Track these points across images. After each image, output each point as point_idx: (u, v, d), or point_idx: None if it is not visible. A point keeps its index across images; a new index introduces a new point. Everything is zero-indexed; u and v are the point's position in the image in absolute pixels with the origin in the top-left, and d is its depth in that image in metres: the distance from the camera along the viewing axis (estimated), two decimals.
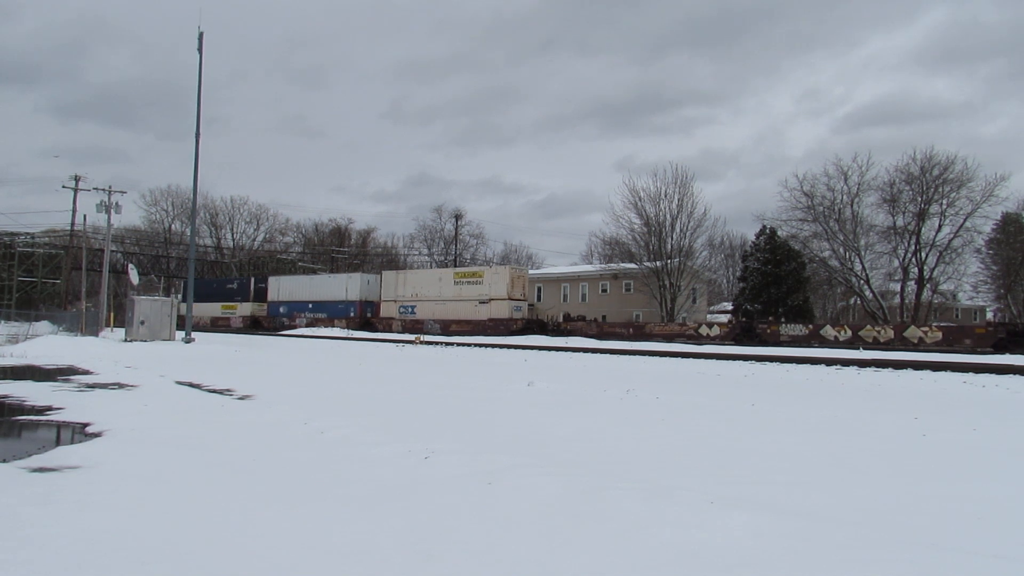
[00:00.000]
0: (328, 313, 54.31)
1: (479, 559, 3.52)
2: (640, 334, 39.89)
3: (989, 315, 63.48)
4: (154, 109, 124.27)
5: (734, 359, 22.52)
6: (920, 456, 6.38)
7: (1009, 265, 50.18)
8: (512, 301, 45.53)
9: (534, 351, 28.14)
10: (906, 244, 49.43)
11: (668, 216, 61.45)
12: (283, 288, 58.30)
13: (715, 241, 63.92)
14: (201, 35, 31.23)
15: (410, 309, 50.00)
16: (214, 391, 11.36)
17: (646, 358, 23.71)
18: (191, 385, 12.34)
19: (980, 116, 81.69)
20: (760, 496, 4.78)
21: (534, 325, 46.94)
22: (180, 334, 31.28)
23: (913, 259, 49.83)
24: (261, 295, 60.06)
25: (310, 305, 55.61)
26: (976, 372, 17.23)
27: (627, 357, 24.31)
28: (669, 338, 38.19)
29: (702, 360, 22.58)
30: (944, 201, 49.50)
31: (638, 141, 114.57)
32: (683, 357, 23.91)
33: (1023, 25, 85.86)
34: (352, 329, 50.61)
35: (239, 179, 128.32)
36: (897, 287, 51.69)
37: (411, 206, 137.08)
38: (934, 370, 17.96)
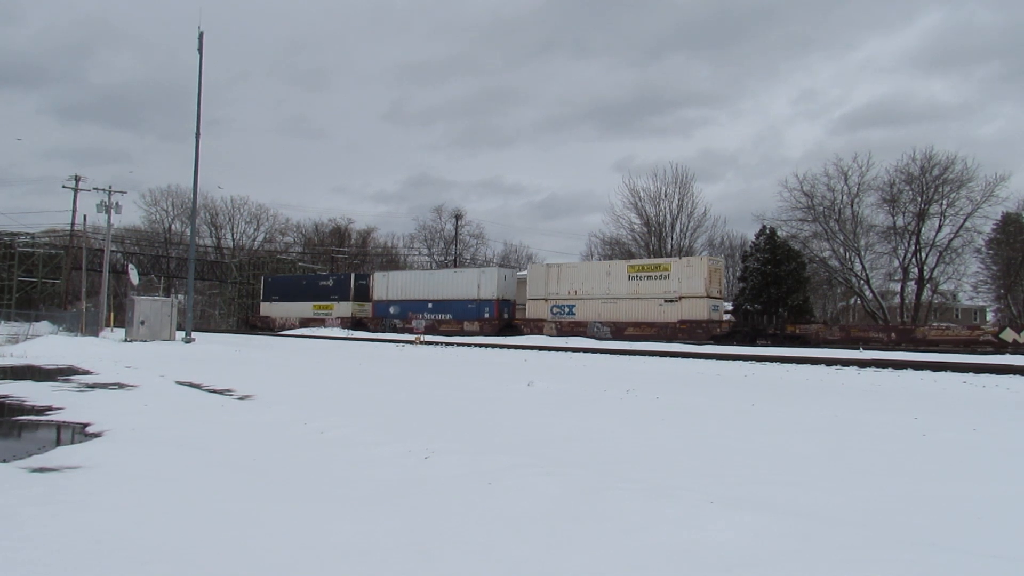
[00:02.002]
0: (454, 314, 46.46)
1: (478, 559, 3.52)
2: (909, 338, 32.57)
3: (989, 316, 63.45)
4: (156, 110, 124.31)
5: (734, 359, 22.51)
6: (920, 456, 6.39)
7: (1009, 265, 50.14)
8: (711, 299, 37.28)
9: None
10: (906, 244, 49.44)
11: (668, 216, 61.61)
12: (393, 285, 50.70)
13: (715, 241, 64.00)
14: (201, 35, 31.23)
15: (566, 309, 41.70)
16: (214, 391, 11.37)
17: (646, 358, 23.70)
18: (191, 385, 12.34)
19: (977, 117, 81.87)
20: (760, 496, 4.78)
21: (744, 328, 37.81)
22: (180, 334, 31.28)
23: (913, 259, 49.85)
24: (363, 293, 53.23)
25: (429, 304, 47.87)
26: (976, 372, 17.22)
27: (626, 357, 24.30)
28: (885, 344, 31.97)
29: (701, 360, 22.57)
30: (944, 201, 49.50)
31: (637, 142, 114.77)
32: (683, 357, 23.91)
33: (1017, 28, 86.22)
34: (489, 333, 43.51)
35: (240, 180, 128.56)
36: (897, 287, 51.74)
37: (411, 206, 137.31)
38: (934, 370, 17.94)
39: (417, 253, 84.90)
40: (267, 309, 59.11)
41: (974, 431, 7.84)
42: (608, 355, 25.28)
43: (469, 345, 32.92)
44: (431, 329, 46.06)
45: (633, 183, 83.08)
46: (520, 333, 42.77)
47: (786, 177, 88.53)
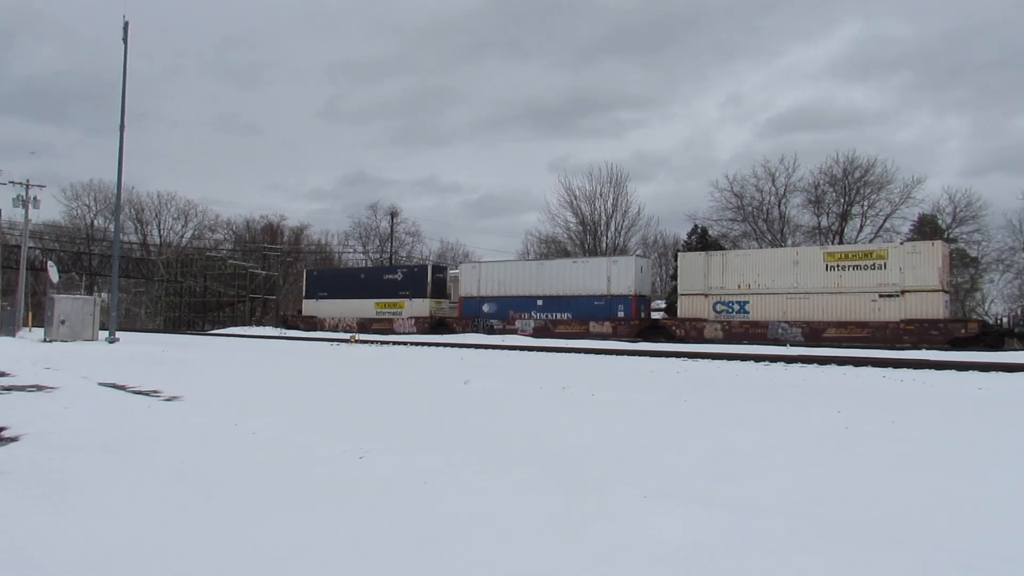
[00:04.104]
0: (574, 313, 38.82)
1: (410, 559, 3.50)
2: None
3: None
4: (82, 103, 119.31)
5: (666, 356, 22.94)
6: (843, 449, 6.62)
7: None
8: (944, 293, 30.30)
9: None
10: (830, 243, 51.19)
11: (603, 215, 62.46)
12: (487, 278, 42.53)
13: (648, 240, 65.15)
14: (126, 25, 30.14)
15: (736, 306, 34.12)
16: (140, 393, 10.99)
17: (580, 356, 23.94)
18: (115, 387, 11.90)
19: (894, 124, 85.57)
20: (692, 490, 4.88)
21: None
22: (104, 334, 30.16)
23: None
24: (441, 288, 46.07)
25: (539, 302, 40.21)
26: (895, 367, 17.96)
27: (562, 355, 24.50)
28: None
29: (635, 357, 22.93)
30: (865, 203, 51.73)
31: (572, 143, 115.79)
32: (617, 355, 24.24)
33: (926, 40, 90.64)
34: (625, 336, 36.34)
35: (170, 175, 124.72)
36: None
37: (347, 204, 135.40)
38: (856, 365, 18.66)
39: (352, 251, 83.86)
40: (312, 308, 50.84)
41: (893, 423, 8.16)
42: (538, 352, 25.30)
43: (405, 344, 32.65)
44: (543, 331, 39.44)
45: (569, 182, 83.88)
46: (673, 336, 35.30)
47: (716, 178, 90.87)
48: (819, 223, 52.99)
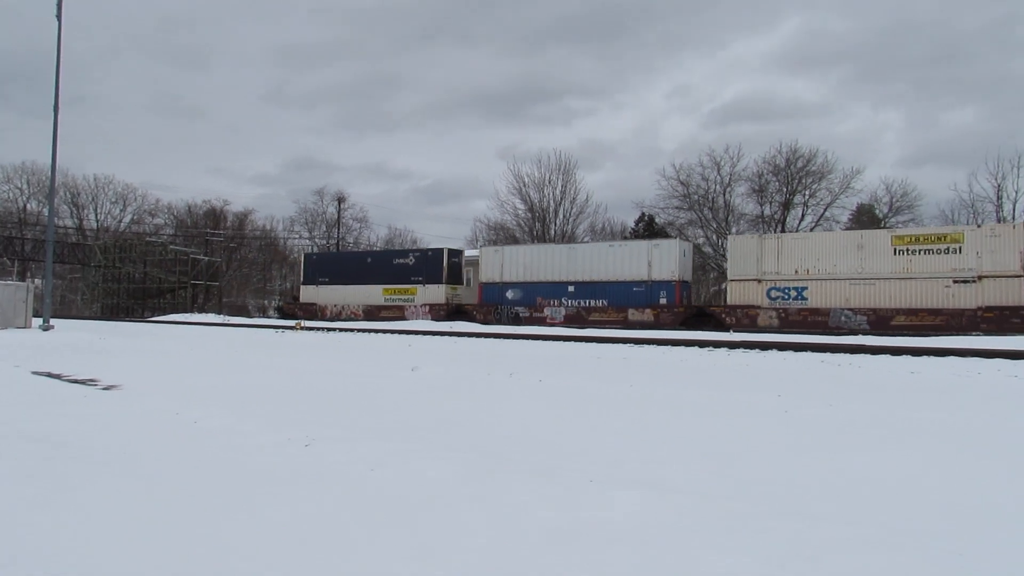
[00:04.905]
0: (610, 299, 36.26)
1: (360, 547, 3.48)
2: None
3: None
4: (16, 84, 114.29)
5: (613, 342, 23.21)
6: (784, 431, 6.81)
7: None
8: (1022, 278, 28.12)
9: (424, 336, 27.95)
10: (773, 231, 52.34)
11: (552, 202, 62.68)
12: (511, 262, 39.76)
13: (597, 227, 65.57)
14: (60, 0, 28.95)
15: (792, 292, 31.90)
16: (77, 381, 10.67)
17: (525, 342, 24.05)
18: (50, 375, 11.53)
19: (835, 116, 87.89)
20: (638, 474, 4.97)
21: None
22: (38, 321, 29.12)
23: None
24: (457, 274, 43.11)
25: (570, 288, 37.54)
26: (832, 352, 18.50)
27: (509, 341, 24.58)
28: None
29: (582, 343, 23.14)
30: (807, 192, 53.12)
31: (521, 130, 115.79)
32: (564, 340, 24.42)
33: (866, 35, 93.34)
34: (668, 324, 34.04)
35: (110, 158, 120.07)
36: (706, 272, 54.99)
37: (293, 189, 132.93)
38: (796, 351, 19.17)
39: (298, 236, 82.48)
40: (311, 294, 47.44)
41: (830, 407, 8.42)
42: (486, 339, 25.37)
43: (352, 331, 32.34)
44: (575, 319, 36.90)
45: (518, 169, 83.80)
46: (722, 325, 33.11)
47: (664, 167, 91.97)
48: (762, 212, 54.20)
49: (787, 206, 53.47)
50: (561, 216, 62.73)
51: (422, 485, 4.60)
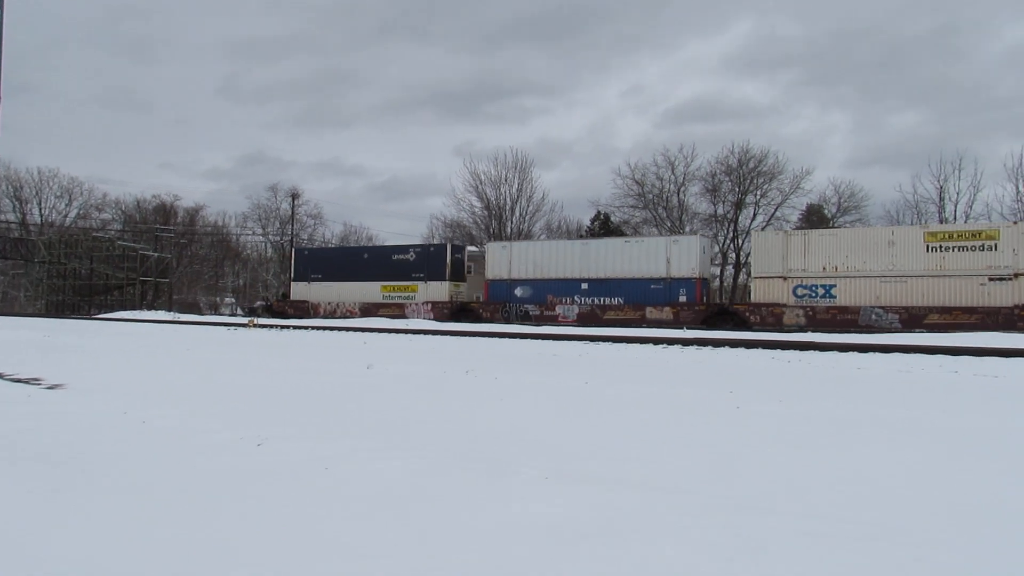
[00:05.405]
0: (626, 297, 35.43)
1: (314, 547, 3.46)
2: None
3: None
4: None
5: (570, 339, 23.34)
6: (735, 427, 6.94)
7: None
8: None
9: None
10: (726, 231, 53.34)
11: (508, 200, 62.85)
12: (520, 258, 38.53)
13: (553, 225, 65.97)
14: None
15: (820, 290, 31.33)
16: (18, 380, 10.34)
17: (484, 339, 24.06)
18: None
19: (783, 117, 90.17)
20: (592, 470, 5.02)
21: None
22: None
23: (731, 244, 53.99)
24: (460, 270, 41.86)
25: (583, 285, 36.54)
26: (783, 349, 18.88)
27: (468, 339, 24.55)
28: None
29: (539, 341, 23.23)
30: (758, 192, 54.17)
31: (477, 128, 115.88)
32: (521, 338, 24.49)
33: (814, 39, 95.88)
34: (689, 322, 33.32)
35: (55, 151, 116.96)
36: (718, 271, 55.86)
37: (246, 185, 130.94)
38: (747, 347, 19.52)
39: (251, 232, 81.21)
40: (303, 291, 45.69)
41: (780, 403, 8.60)
42: (456, 337, 25.32)
43: (307, 328, 31.97)
44: (589, 318, 35.95)
45: (474, 167, 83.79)
46: (746, 324, 32.35)
47: (619, 166, 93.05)
48: (715, 211, 55.11)
49: (739, 206, 54.51)
50: (518, 214, 63.00)
51: (379, 483, 4.58)
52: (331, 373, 12.06)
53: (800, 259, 31.89)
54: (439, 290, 40.73)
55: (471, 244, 53.25)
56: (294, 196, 75.62)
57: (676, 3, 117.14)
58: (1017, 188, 46.77)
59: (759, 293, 32.84)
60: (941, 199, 49.55)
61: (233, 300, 77.71)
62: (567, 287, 37.04)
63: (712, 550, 3.40)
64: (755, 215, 54.90)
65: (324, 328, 31.55)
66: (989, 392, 10.11)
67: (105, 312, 56.73)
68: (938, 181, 49.44)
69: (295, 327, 33.01)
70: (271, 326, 33.77)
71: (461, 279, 41.99)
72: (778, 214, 54.27)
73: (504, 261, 38.98)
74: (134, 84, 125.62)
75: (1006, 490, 4.62)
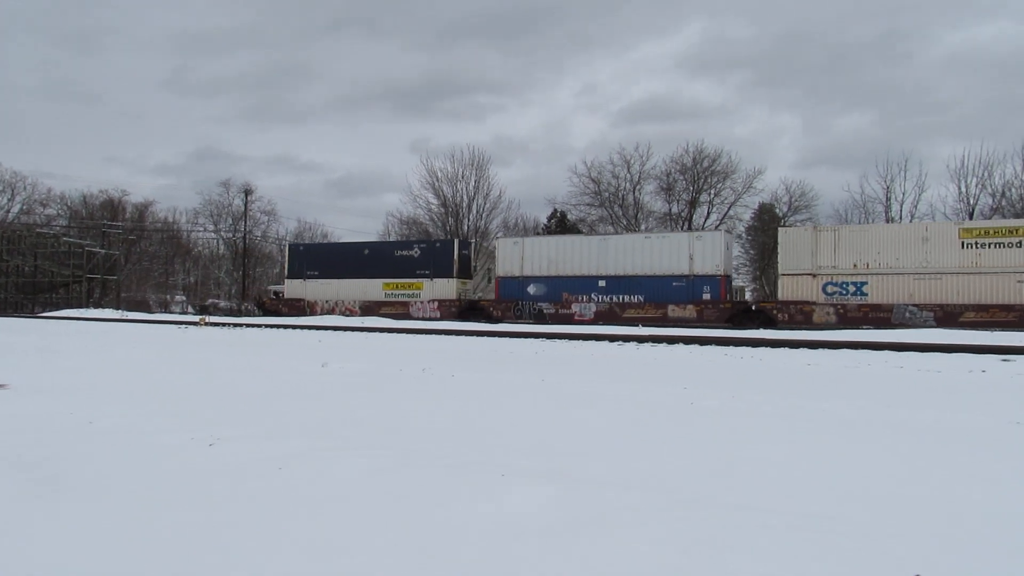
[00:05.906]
0: (647, 295, 34.19)
1: (269, 548, 3.40)
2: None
3: (748, 295, 70.86)
4: None
5: (526, 337, 23.42)
6: (690, 423, 7.03)
7: (763, 249, 56.47)
8: None
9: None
10: (680, 229, 53.93)
11: (465, 197, 62.70)
12: (533, 255, 36.97)
13: (509, 223, 66.03)
14: None
15: (851, 287, 30.41)
16: None
17: (440, 337, 24.00)
18: None
19: (734, 118, 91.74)
20: (548, 466, 5.03)
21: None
22: None
23: None
24: (467, 267, 40.38)
25: (601, 283, 35.17)
26: (736, 345, 19.21)
27: (422, 336, 24.46)
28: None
29: (496, 338, 23.25)
30: (712, 191, 54.95)
31: (432, 125, 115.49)
32: (479, 336, 24.49)
33: (762, 41, 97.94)
34: (713, 321, 32.47)
35: None
36: None
37: (196, 180, 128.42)
38: (701, 344, 19.81)
39: (203, 229, 79.64)
40: (298, 289, 43.75)
41: (733, 398, 8.74)
42: (406, 335, 25.17)
43: (261, 326, 31.51)
44: (607, 316, 34.70)
45: (431, 164, 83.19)
46: (774, 322, 31.62)
47: (575, 164, 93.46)
48: (670, 209, 55.77)
49: (693, 204, 55.28)
50: (474, 211, 62.89)
51: (330, 483, 4.52)
52: (284, 370, 11.89)
53: (830, 255, 31.06)
54: (446, 287, 39.43)
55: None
56: (247, 192, 74.30)
57: (630, 4, 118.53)
58: (959, 188, 48.20)
59: (787, 290, 31.94)
60: (888, 199, 50.86)
61: (184, 298, 76.17)
62: (583, 284, 35.79)
63: (671, 543, 3.43)
64: (709, 214, 55.78)
65: (277, 327, 31.10)
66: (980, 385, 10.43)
67: (50, 310, 55.12)
68: (885, 181, 50.69)
69: (248, 326, 32.49)
70: (224, 324, 33.19)
71: (468, 276, 40.84)
72: (731, 213, 55.23)
73: (516, 257, 37.56)
74: (78, 76, 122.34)
75: (931, 471, 4.77)
